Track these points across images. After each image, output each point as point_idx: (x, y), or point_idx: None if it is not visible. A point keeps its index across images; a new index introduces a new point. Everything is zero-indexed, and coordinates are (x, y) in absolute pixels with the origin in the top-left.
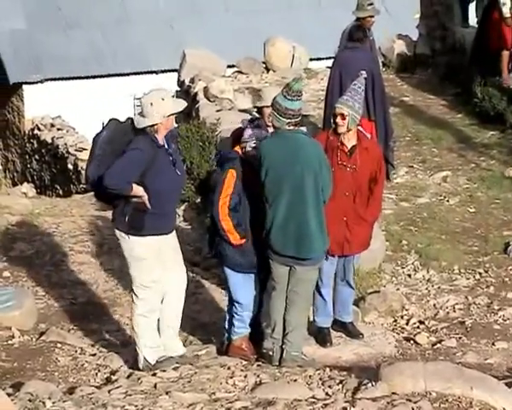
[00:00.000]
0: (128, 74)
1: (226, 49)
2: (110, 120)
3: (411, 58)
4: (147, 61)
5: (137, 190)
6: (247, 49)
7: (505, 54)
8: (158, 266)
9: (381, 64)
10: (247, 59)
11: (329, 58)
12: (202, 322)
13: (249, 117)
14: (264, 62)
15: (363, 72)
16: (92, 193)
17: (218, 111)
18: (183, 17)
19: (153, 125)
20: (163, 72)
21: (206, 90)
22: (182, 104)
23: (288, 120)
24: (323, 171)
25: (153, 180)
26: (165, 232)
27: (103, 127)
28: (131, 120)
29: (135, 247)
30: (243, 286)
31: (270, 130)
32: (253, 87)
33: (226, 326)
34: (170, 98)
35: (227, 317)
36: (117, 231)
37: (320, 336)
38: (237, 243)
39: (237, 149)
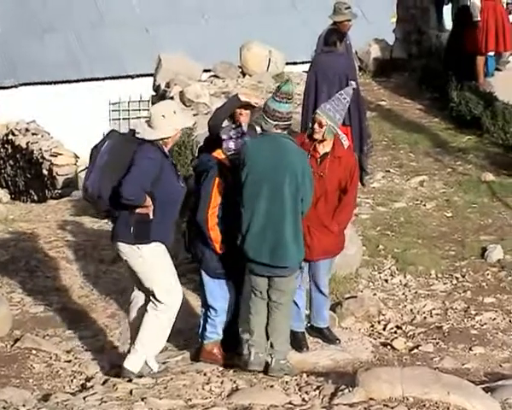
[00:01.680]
0: (103, 79)
1: (202, 53)
2: (111, 131)
3: (388, 62)
4: (122, 65)
5: (148, 200)
6: (223, 54)
7: (480, 59)
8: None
9: (357, 68)
10: (223, 63)
11: (306, 62)
12: (178, 328)
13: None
14: (240, 67)
15: (353, 82)
16: (67, 198)
17: (194, 116)
18: (158, 21)
19: (163, 138)
20: (139, 76)
21: (181, 94)
22: (191, 119)
23: (276, 123)
24: (306, 181)
25: (160, 190)
26: (166, 243)
27: (104, 137)
28: (133, 131)
29: (146, 253)
30: (218, 292)
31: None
32: (230, 91)
33: (199, 330)
34: (180, 111)
35: (201, 321)
36: (122, 246)
37: (296, 342)
38: (222, 251)
39: (217, 154)
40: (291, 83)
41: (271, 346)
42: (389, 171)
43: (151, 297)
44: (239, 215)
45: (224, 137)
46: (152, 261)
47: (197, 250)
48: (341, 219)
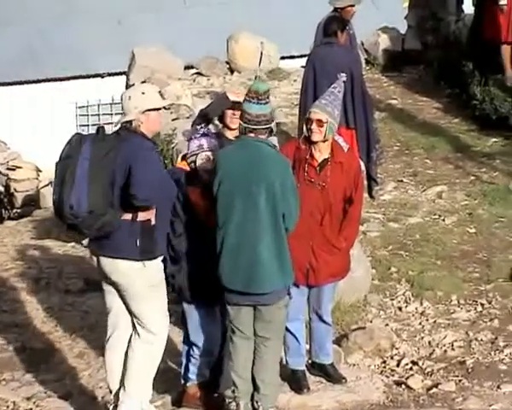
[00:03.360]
0: (69, 78)
1: (183, 47)
2: (75, 136)
3: (399, 54)
4: (91, 63)
5: None
6: (208, 47)
7: (506, 48)
8: None
9: (363, 62)
10: (207, 58)
11: (304, 56)
12: (158, 368)
13: (192, 127)
14: (227, 62)
15: (343, 74)
16: (27, 219)
17: (173, 120)
18: (132, 11)
19: (131, 122)
20: (110, 75)
21: (159, 95)
22: (164, 101)
23: (245, 125)
24: (288, 194)
25: None
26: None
27: (67, 144)
28: (103, 128)
29: (153, 272)
30: (201, 325)
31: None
32: (215, 91)
33: (181, 371)
34: (153, 93)
35: (183, 361)
36: (123, 265)
37: (294, 381)
38: (204, 276)
39: (182, 164)
40: (260, 80)
41: (257, 390)
42: (402, 180)
43: (139, 328)
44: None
45: (185, 138)
46: (154, 282)
47: (177, 277)
48: (349, 233)
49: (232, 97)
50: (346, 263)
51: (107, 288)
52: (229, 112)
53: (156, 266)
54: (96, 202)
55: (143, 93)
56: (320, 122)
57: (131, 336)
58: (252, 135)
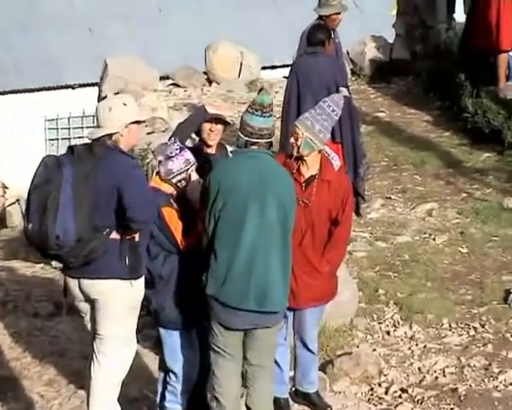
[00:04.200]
0: (37, 90)
1: (158, 56)
2: (48, 158)
3: (387, 64)
4: (60, 73)
5: None
6: (185, 57)
7: (503, 58)
8: None
9: (349, 72)
10: (184, 69)
11: (286, 66)
12: (132, 396)
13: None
14: (205, 73)
15: (343, 88)
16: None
17: (149, 134)
18: (104, 19)
19: (110, 136)
20: (81, 86)
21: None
22: (146, 113)
23: (246, 138)
24: (292, 209)
25: None
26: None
27: (42, 167)
28: (72, 148)
29: (137, 292)
30: (178, 350)
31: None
32: (193, 103)
33: (157, 399)
34: (133, 104)
35: (159, 388)
36: (109, 284)
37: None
38: (184, 298)
39: (155, 183)
40: (266, 93)
41: None
42: (390, 198)
43: (107, 347)
44: (206, 257)
45: (159, 158)
46: (135, 303)
47: (153, 301)
48: (332, 257)
49: (211, 110)
50: (330, 287)
51: (86, 309)
52: (207, 126)
53: (140, 285)
54: (83, 230)
55: (125, 104)
56: (296, 135)
57: (92, 360)
58: (254, 148)
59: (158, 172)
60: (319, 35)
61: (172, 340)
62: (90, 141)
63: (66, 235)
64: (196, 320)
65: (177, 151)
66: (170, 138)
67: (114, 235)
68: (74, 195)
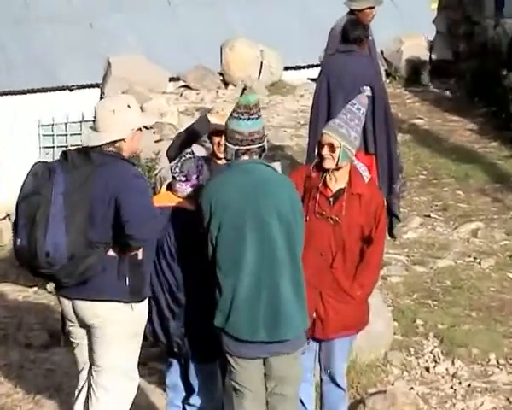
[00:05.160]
0: (31, 92)
1: (168, 55)
2: (38, 165)
3: (426, 65)
4: (57, 73)
5: None
6: (198, 56)
7: None
8: None
9: (383, 74)
10: (197, 69)
11: (312, 66)
12: None
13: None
14: (220, 73)
15: (367, 87)
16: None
17: (157, 142)
18: (107, 12)
19: (114, 143)
20: (80, 88)
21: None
22: (154, 117)
23: (236, 147)
24: (298, 218)
25: None
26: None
27: (32, 176)
28: (66, 154)
29: (140, 317)
30: (198, 385)
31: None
32: (206, 108)
33: None
34: (137, 106)
35: None
36: (109, 307)
37: None
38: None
39: (168, 198)
40: (251, 91)
41: None
42: (429, 216)
43: (106, 380)
44: (211, 286)
45: (179, 178)
46: (137, 330)
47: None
48: (365, 280)
49: (213, 120)
50: (362, 314)
51: (79, 335)
52: (216, 139)
53: (144, 309)
54: (76, 245)
55: (129, 106)
56: (331, 147)
57: (89, 396)
58: (246, 158)
59: (172, 188)
60: (356, 32)
61: (193, 373)
62: (85, 146)
63: (57, 251)
64: (217, 349)
65: (198, 170)
66: (168, 153)
67: (112, 252)
68: (66, 206)
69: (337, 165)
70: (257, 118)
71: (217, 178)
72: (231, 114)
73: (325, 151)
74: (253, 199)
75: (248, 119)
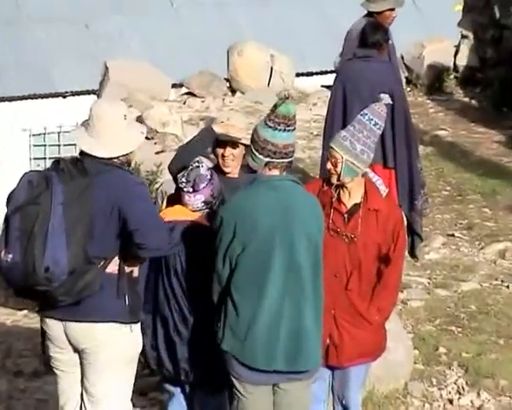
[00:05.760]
0: (21, 98)
1: (170, 59)
2: (33, 174)
3: (450, 72)
4: (50, 78)
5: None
6: (203, 61)
7: None
8: None
9: (403, 81)
10: (202, 75)
11: (324, 73)
12: None
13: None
14: (227, 80)
15: (386, 95)
16: None
17: (158, 153)
18: (104, 13)
19: (125, 155)
20: (74, 94)
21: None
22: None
23: (267, 159)
24: (321, 240)
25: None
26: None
27: (26, 185)
28: (58, 161)
29: (137, 340)
30: None
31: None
32: (212, 117)
33: None
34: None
35: None
36: (107, 328)
37: None
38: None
39: (182, 213)
40: (292, 101)
41: None
42: (453, 235)
43: (100, 408)
44: (218, 305)
45: (187, 189)
46: (135, 354)
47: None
48: (383, 303)
49: (218, 130)
50: (379, 340)
51: (69, 362)
52: (219, 151)
53: (139, 332)
54: (77, 259)
55: (125, 115)
56: (334, 160)
57: None
58: (275, 172)
59: (182, 202)
60: (375, 35)
61: (199, 403)
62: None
63: (57, 266)
64: (224, 376)
65: (208, 179)
66: (170, 168)
67: (112, 267)
68: (66, 218)
69: (339, 180)
70: (293, 130)
71: (241, 194)
72: (265, 122)
73: (329, 165)
74: (283, 222)
75: (285, 130)
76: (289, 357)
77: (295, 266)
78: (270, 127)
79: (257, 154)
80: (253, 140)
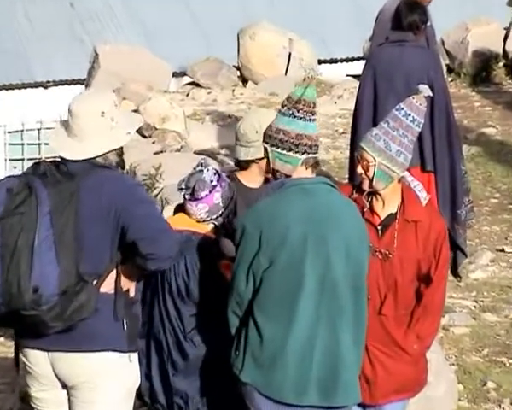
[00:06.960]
0: None
1: (172, 44)
2: (14, 180)
3: (499, 59)
4: (28, 66)
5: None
6: (209, 45)
7: None
8: None
9: (444, 70)
10: (208, 62)
11: (351, 60)
12: None
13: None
14: (237, 68)
15: (425, 86)
16: None
17: (157, 153)
18: None
19: (113, 150)
20: (58, 84)
21: None
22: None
23: (304, 156)
24: (366, 257)
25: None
26: None
27: (5, 193)
28: (44, 162)
29: (136, 372)
30: None
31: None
32: (220, 111)
33: None
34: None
35: None
36: (104, 359)
37: None
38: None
39: (188, 224)
40: (312, 84)
41: None
42: (503, 250)
43: None
44: (242, 334)
45: (188, 196)
46: (131, 389)
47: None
48: (423, 331)
49: None
50: (418, 373)
51: (55, 401)
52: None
53: (137, 362)
54: (69, 277)
55: (116, 105)
56: (366, 163)
57: None
58: (307, 173)
59: (185, 210)
60: (412, 16)
61: None
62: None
63: (47, 285)
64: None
65: (212, 186)
66: (197, 163)
67: (107, 285)
68: (55, 228)
69: (371, 187)
70: (313, 120)
71: (267, 201)
72: (280, 111)
73: (359, 169)
74: (318, 233)
75: (302, 118)
76: (324, 390)
77: (331, 283)
78: (283, 114)
79: (272, 149)
80: (267, 136)
